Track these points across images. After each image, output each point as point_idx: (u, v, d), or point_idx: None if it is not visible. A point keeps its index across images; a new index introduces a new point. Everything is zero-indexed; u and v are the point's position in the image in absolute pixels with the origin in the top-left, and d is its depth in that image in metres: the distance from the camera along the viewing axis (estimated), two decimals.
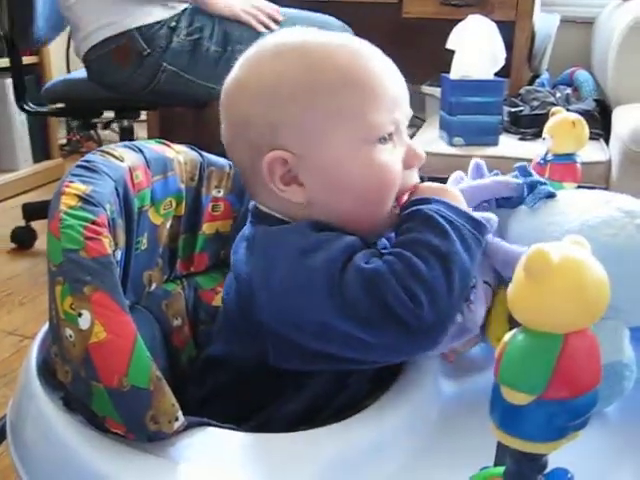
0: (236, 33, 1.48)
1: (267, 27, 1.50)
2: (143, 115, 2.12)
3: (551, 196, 0.61)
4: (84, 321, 0.48)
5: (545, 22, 1.86)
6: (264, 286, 0.51)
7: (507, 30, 1.65)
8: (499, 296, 0.57)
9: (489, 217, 0.54)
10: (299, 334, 0.50)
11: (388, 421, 0.51)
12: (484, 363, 0.61)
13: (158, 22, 1.46)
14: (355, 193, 0.53)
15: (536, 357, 0.28)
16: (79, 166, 0.57)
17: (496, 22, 1.54)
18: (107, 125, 2.01)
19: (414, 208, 0.51)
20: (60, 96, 1.72)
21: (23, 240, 1.87)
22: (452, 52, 1.53)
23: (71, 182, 0.55)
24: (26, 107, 1.70)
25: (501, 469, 0.34)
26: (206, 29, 1.47)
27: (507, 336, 0.30)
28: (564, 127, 0.74)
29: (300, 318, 0.49)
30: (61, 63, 2.40)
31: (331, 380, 0.54)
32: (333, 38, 0.56)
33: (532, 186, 0.62)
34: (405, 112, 0.55)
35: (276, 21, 1.51)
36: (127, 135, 1.81)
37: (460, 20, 1.54)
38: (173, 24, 1.47)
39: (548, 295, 0.27)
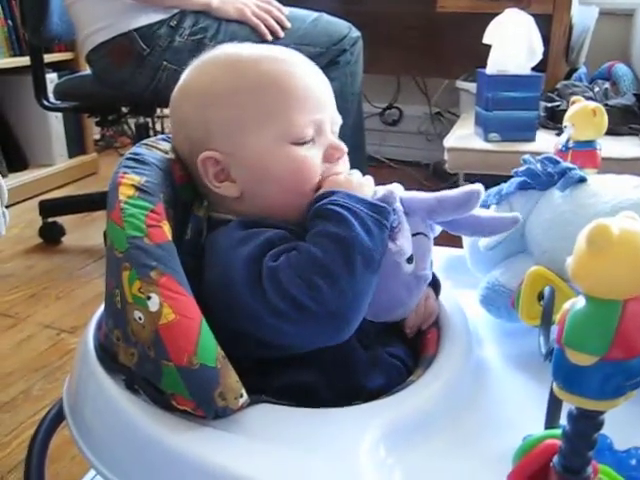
0: (242, 34, 1.46)
1: (274, 32, 1.48)
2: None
3: (582, 180, 0.64)
4: (153, 304, 0.50)
5: (583, 15, 1.83)
6: (208, 283, 0.55)
7: (544, 23, 1.63)
8: (529, 278, 0.60)
9: (389, 193, 0.57)
10: (235, 323, 0.53)
11: (434, 393, 0.54)
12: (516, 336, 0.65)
13: (157, 22, 1.45)
14: (278, 185, 0.58)
15: (600, 321, 0.31)
16: (129, 159, 0.60)
17: (533, 15, 1.53)
18: (122, 121, 1.96)
19: (316, 205, 0.56)
20: (70, 93, 1.72)
21: (50, 236, 1.87)
22: (487, 47, 1.52)
23: (125, 173, 0.57)
24: (45, 103, 1.72)
25: (557, 431, 0.37)
26: (210, 29, 1.46)
27: (568, 304, 0.32)
28: (585, 115, 0.77)
29: (232, 309, 0.52)
30: None
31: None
32: (265, 49, 0.64)
33: (563, 172, 0.65)
34: (330, 114, 0.61)
35: (283, 27, 1.50)
36: (142, 131, 1.79)
37: (496, 14, 1.53)
38: (174, 23, 1.46)
39: (610, 264, 0.30)
